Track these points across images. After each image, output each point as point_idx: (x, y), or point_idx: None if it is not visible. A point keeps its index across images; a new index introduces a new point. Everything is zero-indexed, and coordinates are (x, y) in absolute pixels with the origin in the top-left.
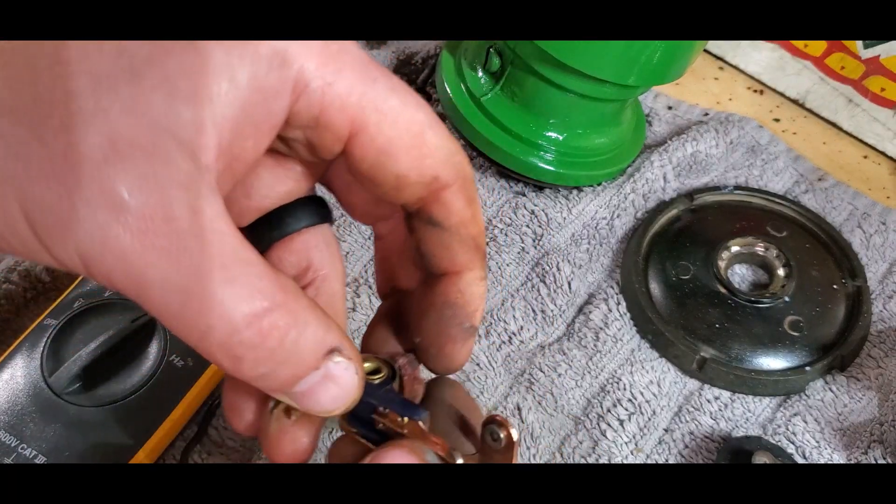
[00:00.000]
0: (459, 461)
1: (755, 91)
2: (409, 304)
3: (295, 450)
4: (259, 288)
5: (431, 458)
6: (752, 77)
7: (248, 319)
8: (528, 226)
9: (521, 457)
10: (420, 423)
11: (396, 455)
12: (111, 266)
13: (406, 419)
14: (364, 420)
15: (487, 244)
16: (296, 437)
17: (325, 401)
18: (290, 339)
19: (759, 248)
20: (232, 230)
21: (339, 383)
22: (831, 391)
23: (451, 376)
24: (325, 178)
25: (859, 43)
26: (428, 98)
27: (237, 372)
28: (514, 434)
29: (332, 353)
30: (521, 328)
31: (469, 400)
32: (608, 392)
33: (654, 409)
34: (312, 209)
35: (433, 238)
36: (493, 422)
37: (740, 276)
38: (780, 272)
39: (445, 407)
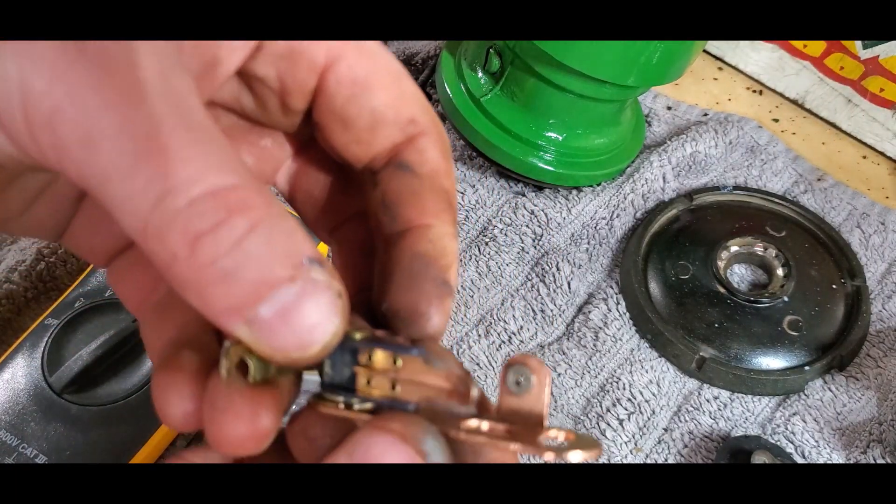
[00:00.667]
0: (473, 422)
1: (754, 91)
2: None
3: (252, 430)
4: (230, 165)
5: (431, 445)
6: (751, 77)
7: (215, 190)
8: (527, 226)
9: (521, 457)
10: (421, 360)
11: (381, 443)
12: (57, 104)
13: (400, 360)
14: (342, 379)
15: (487, 244)
16: (253, 412)
17: (302, 330)
18: (264, 228)
19: (759, 248)
20: (203, 108)
21: (319, 305)
22: (830, 391)
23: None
24: (290, 184)
25: (858, 43)
26: (428, 98)
27: (190, 265)
28: (544, 373)
29: (311, 265)
30: (521, 328)
31: (462, 369)
32: (608, 391)
33: (654, 408)
34: None
35: (403, 185)
36: (516, 363)
37: (739, 275)
38: (780, 272)
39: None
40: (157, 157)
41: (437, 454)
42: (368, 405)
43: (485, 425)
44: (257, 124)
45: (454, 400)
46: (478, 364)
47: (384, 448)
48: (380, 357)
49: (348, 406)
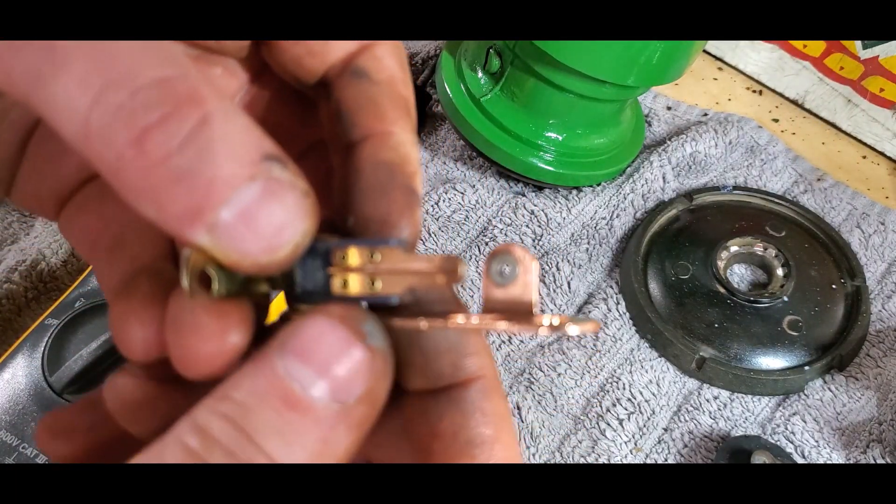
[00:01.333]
0: (461, 317)
1: (754, 91)
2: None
3: (220, 348)
4: (175, 58)
5: (370, 327)
6: (751, 77)
7: (160, 80)
8: (527, 226)
9: (521, 457)
10: (401, 250)
11: (318, 325)
12: None
13: (378, 253)
14: (316, 285)
15: (487, 244)
16: (220, 329)
17: (268, 233)
18: (217, 122)
19: (758, 248)
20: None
21: (284, 204)
22: (830, 391)
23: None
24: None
25: (858, 43)
26: (428, 98)
27: (139, 166)
28: (529, 259)
29: (272, 162)
30: None
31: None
32: (607, 391)
33: (654, 408)
34: None
35: (360, 92)
36: (500, 252)
37: (739, 275)
38: (779, 272)
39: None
40: (92, 49)
41: (376, 337)
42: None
43: (475, 319)
44: (206, 51)
45: (443, 279)
46: None
47: (321, 330)
48: (355, 254)
49: None
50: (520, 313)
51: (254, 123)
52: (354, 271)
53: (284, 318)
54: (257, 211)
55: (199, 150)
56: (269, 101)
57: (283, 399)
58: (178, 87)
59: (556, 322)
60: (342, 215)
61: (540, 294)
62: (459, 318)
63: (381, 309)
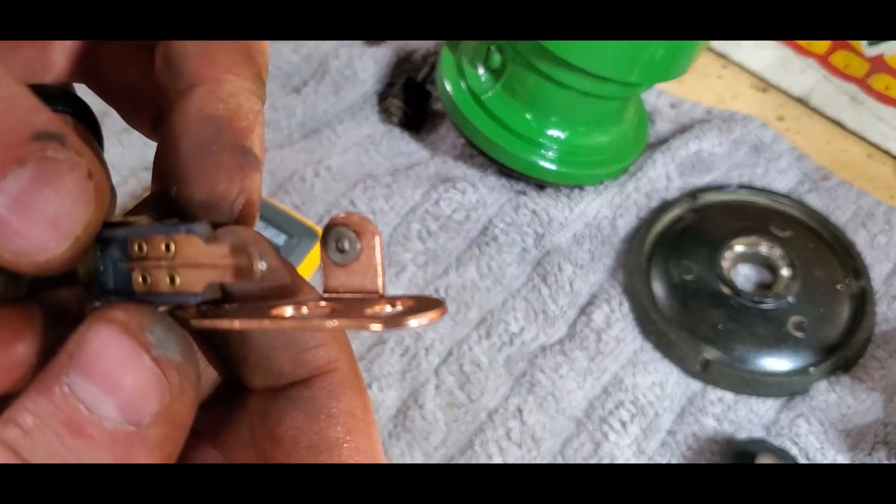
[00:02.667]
0: (289, 309)
1: (759, 89)
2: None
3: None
4: None
5: (161, 334)
6: (755, 75)
7: None
8: (529, 225)
9: (522, 459)
10: (198, 238)
11: (99, 336)
12: None
13: (172, 241)
14: (120, 283)
15: (488, 244)
16: (1, 337)
17: (42, 225)
18: None
19: (763, 248)
20: None
21: (62, 189)
22: (835, 392)
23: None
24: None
25: (863, 41)
26: (428, 95)
27: None
28: (371, 231)
29: (46, 141)
30: (523, 329)
31: (253, 238)
32: (610, 394)
33: (657, 410)
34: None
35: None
36: (335, 224)
37: (744, 276)
38: (784, 272)
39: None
40: None
41: (169, 346)
42: (160, 308)
43: (305, 309)
44: None
45: (238, 278)
46: (478, 366)
47: (103, 342)
48: (152, 246)
49: None
50: (360, 301)
51: (25, 91)
52: (153, 264)
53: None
54: (29, 200)
55: None
56: (121, 57)
57: (66, 423)
58: None
59: (395, 311)
60: (168, 183)
61: (384, 273)
62: (287, 311)
63: (183, 307)
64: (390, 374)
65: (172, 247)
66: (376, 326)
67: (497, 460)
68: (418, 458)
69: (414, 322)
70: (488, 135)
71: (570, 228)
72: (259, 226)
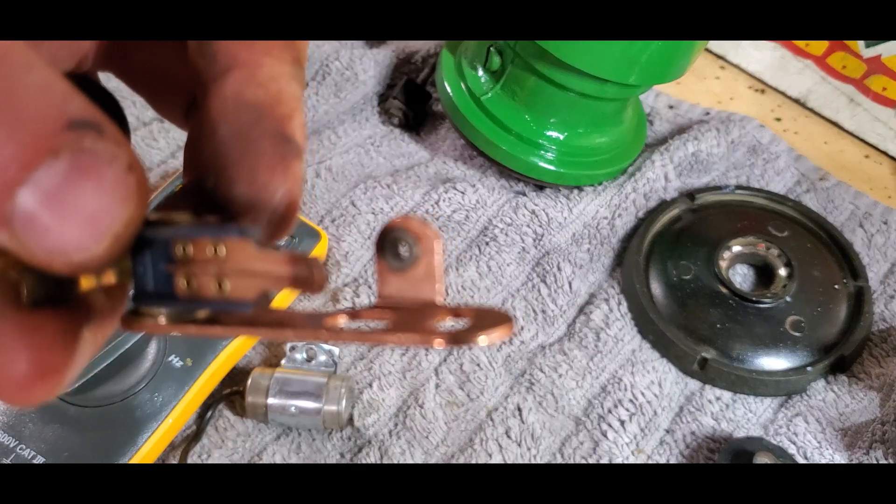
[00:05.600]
0: (343, 319)
1: (756, 90)
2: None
3: (35, 370)
4: None
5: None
6: (753, 76)
7: None
8: (528, 225)
9: (522, 458)
10: (252, 243)
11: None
12: None
13: (222, 245)
14: (159, 285)
15: (487, 244)
16: (32, 345)
17: (79, 222)
18: (0, 76)
19: (761, 248)
20: None
21: (100, 183)
22: (833, 391)
23: None
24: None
25: (861, 42)
26: (428, 97)
27: None
28: (431, 236)
29: (82, 130)
30: (522, 328)
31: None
32: (609, 393)
33: (656, 409)
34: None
35: None
36: (394, 228)
37: (741, 276)
38: (782, 272)
39: None
40: None
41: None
42: (202, 312)
43: (361, 321)
44: None
45: (297, 288)
46: (478, 365)
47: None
48: (198, 248)
49: (175, 319)
50: (419, 311)
51: (59, 77)
52: (200, 268)
53: (126, 324)
54: (64, 195)
55: None
56: (150, 43)
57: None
58: None
59: (461, 326)
60: (205, 174)
61: (446, 283)
62: (342, 320)
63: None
64: (390, 373)
65: (222, 250)
66: (441, 343)
67: (497, 458)
68: (418, 457)
69: (484, 339)
70: (488, 136)
71: (569, 229)
72: None
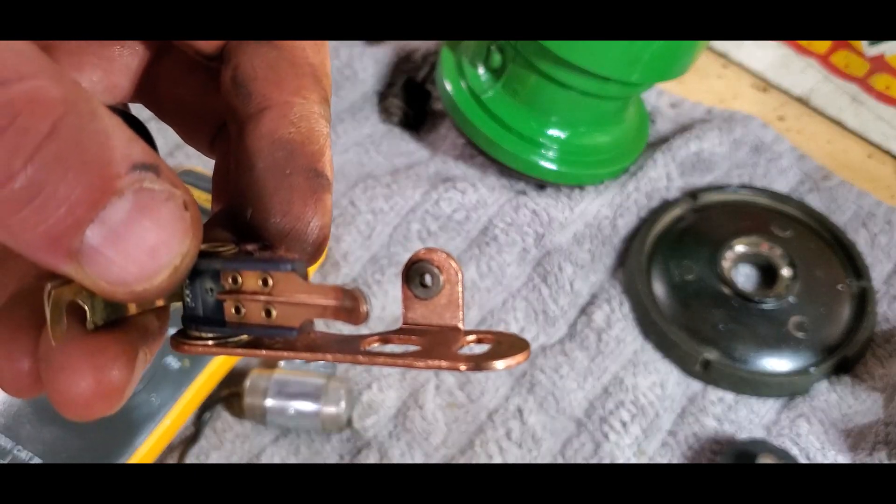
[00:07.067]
0: (376, 345)
1: (759, 89)
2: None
3: (97, 387)
4: (23, 54)
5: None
6: (756, 75)
7: None
8: (529, 225)
9: (523, 460)
10: (297, 275)
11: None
12: None
13: (270, 278)
14: (207, 311)
15: (488, 244)
16: (95, 365)
17: (141, 256)
18: (70, 129)
19: (764, 249)
20: None
21: (159, 220)
22: (836, 392)
23: None
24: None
25: (864, 41)
26: (428, 95)
27: None
28: (454, 268)
29: (142, 172)
30: (523, 329)
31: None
32: (611, 394)
33: (658, 411)
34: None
35: (258, 57)
36: (419, 260)
37: (744, 276)
38: (785, 272)
39: None
40: None
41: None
42: (244, 337)
43: (391, 347)
44: None
45: (341, 318)
46: None
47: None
48: (247, 278)
49: (220, 342)
50: (446, 331)
51: (121, 124)
52: (249, 297)
53: (176, 346)
54: (127, 232)
55: (48, 164)
56: (179, 75)
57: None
58: (13, 89)
59: (481, 351)
60: (242, 205)
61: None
62: (375, 347)
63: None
64: (390, 374)
65: (270, 282)
66: (465, 368)
67: (497, 460)
68: (419, 459)
69: (501, 365)
70: (488, 134)
71: (571, 228)
72: None
